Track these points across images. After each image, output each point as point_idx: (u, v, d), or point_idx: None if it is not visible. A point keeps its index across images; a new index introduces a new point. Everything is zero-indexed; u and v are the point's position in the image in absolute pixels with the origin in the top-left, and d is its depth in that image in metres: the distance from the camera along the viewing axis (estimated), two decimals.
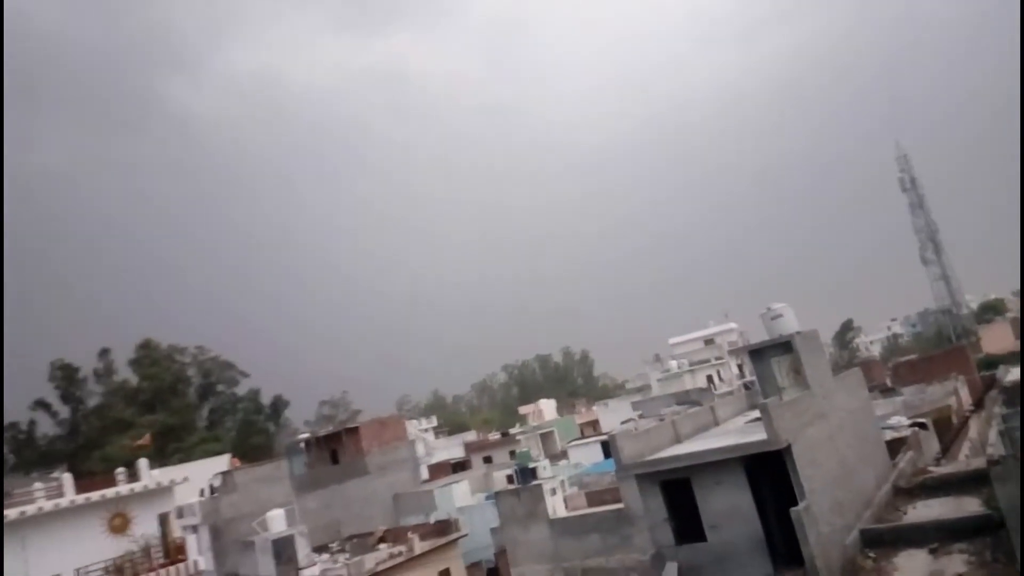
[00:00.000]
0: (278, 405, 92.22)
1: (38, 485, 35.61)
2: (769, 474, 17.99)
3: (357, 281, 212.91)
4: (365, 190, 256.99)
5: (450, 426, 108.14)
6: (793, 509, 16.65)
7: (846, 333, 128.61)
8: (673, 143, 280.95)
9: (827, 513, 17.70)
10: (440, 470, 63.33)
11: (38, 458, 75.04)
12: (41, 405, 79.12)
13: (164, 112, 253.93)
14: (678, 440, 22.80)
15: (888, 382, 51.74)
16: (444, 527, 36.60)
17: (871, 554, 18.08)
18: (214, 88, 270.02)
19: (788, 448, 17.26)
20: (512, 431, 77.71)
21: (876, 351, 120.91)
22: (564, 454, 58.58)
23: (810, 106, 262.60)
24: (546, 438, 71.22)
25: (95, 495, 34.60)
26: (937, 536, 17.51)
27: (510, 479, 43.76)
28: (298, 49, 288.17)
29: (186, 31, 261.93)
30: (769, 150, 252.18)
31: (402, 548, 33.62)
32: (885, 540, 18.60)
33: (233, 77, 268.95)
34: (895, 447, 27.00)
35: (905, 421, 33.00)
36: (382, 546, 34.65)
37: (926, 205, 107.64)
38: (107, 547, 34.20)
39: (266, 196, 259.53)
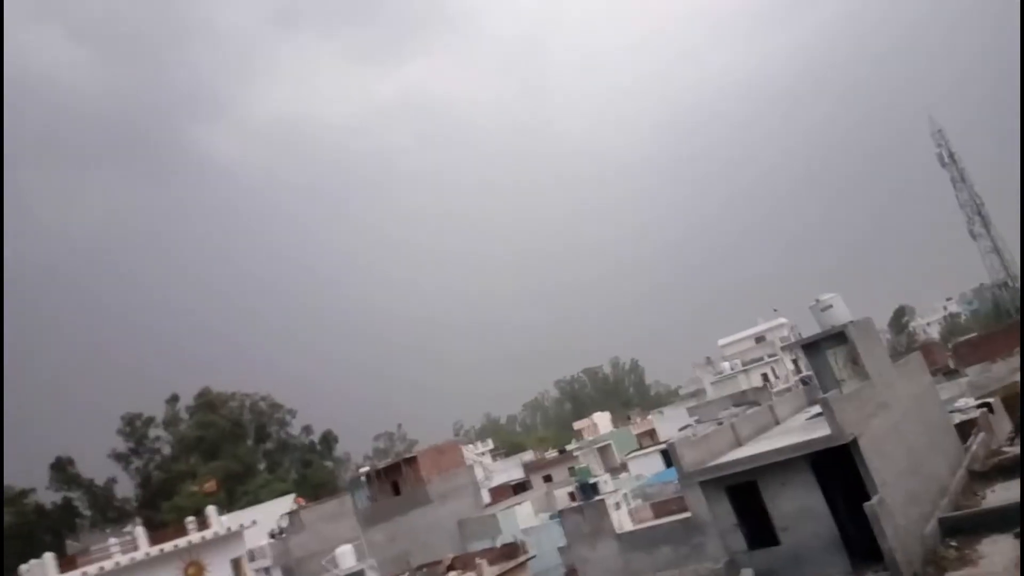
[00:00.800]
0: (328, 440, 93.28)
1: (112, 540, 36.41)
2: (837, 470, 17.65)
3: (395, 313, 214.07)
4: (395, 221, 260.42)
5: (506, 447, 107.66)
6: (867, 504, 16.30)
7: (901, 317, 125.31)
8: (703, 139, 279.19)
9: (902, 505, 17.28)
10: (501, 493, 63.17)
11: (102, 511, 77.05)
12: (120, 458, 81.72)
13: (205, 159, 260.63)
14: (739, 443, 22.47)
15: (951, 364, 50.21)
16: (511, 550, 36.44)
17: (952, 543, 17.56)
18: (242, 132, 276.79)
19: (854, 441, 16.93)
20: (569, 447, 77.17)
21: (935, 333, 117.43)
22: (624, 467, 57.93)
23: (839, 90, 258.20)
24: (604, 452, 70.49)
25: (168, 546, 35.28)
26: (1020, 519, 16.93)
27: (572, 496, 43.49)
28: (320, 87, 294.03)
29: (207, 77, 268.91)
30: (802, 141, 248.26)
31: (471, 574, 33.57)
32: (966, 527, 18.06)
33: (258, 120, 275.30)
34: (965, 430, 26.29)
35: (972, 402, 32.06)
36: (452, 574, 34.66)
37: (968, 178, 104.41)
38: None
39: (293, 235, 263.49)
